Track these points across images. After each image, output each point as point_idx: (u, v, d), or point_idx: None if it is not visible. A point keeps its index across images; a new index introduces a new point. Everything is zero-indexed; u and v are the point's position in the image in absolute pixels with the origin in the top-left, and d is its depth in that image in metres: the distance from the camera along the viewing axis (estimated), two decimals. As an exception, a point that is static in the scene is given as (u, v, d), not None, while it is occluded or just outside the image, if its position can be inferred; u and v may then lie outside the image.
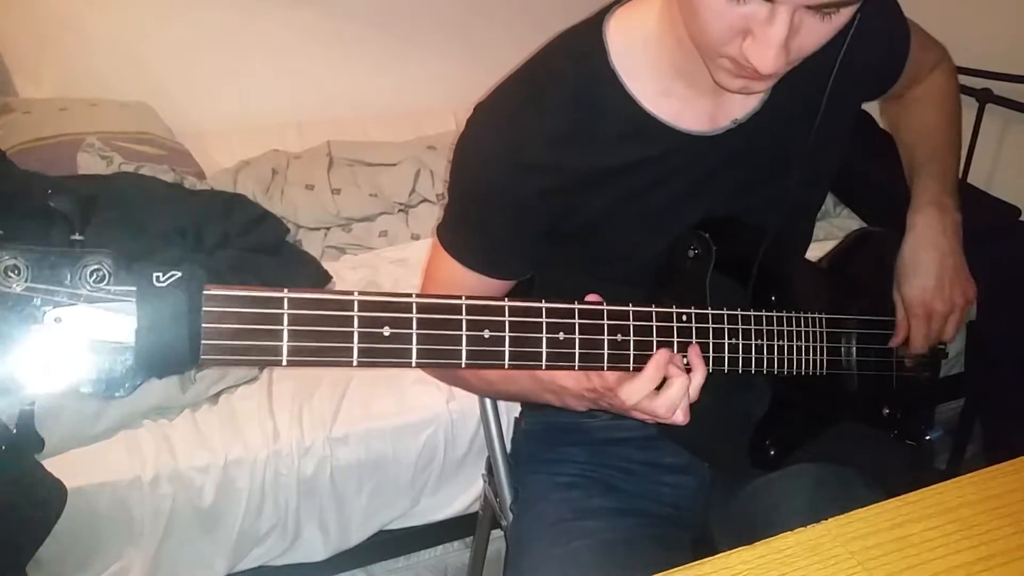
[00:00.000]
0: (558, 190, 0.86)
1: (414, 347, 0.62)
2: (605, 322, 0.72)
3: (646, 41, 0.84)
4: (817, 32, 0.71)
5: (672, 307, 0.77)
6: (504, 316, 0.67)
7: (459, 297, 0.65)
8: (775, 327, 0.87)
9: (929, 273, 1.01)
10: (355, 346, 0.60)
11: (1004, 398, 1.86)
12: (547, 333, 0.69)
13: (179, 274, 0.52)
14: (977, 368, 1.89)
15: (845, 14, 0.70)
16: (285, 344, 0.57)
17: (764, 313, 0.86)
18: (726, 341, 0.81)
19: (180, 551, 1.42)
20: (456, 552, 1.72)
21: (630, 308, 0.74)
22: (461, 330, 0.65)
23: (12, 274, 0.47)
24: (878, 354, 1.03)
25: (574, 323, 0.70)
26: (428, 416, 1.52)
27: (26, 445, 0.50)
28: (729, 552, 0.69)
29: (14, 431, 0.49)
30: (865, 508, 0.74)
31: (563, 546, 0.96)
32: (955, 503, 0.74)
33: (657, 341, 0.75)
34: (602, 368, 0.73)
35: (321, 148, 2.28)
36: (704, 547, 1.02)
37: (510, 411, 1.25)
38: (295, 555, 1.51)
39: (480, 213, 0.89)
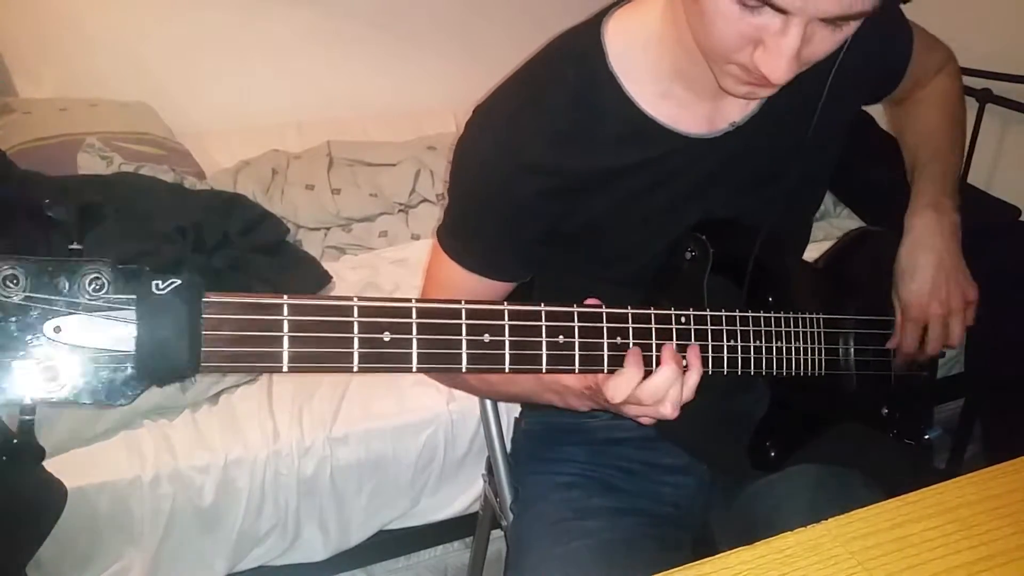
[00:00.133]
0: (557, 192, 0.86)
1: (414, 352, 0.62)
2: (604, 325, 0.72)
3: (646, 43, 0.84)
4: (827, 42, 0.71)
5: (670, 309, 0.77)
6: (504, 320, 0.67)
7: (459, 302, 0.65)
8: (773, 328, 0.87)
9: (925, 276, 1.00)
10: (355, 352, 0.60)
11: (1004, 398, 1.85)
12: (547, 337, 0.69)
13: (178, 282, 0.51)
14: (977, 368, 1.89)
15: (855, 24, 0.70)
16: (286, 351, 0.57)
17: (762, 314, 0.86)
18: (724, 343, 0.81)
19: (180, 551, 1.42)
20: (456, 552, 1.72)
21: (629, 311, 0.74)
22: (461, 335, 0.65)
23: (11, 284, 0.47)
24: (876, 354, 1.03)
25: (573, 326, 0.70)
26: (428, 416, 1.52)
27: (27, 455, 0.50)
28: (729, 552, 0.70)
29: (15, 442, 0.49)
30: (865, 508, 0.74)
31: (563, 546, 0.96)
32: (955, 503, 0.75)
33: (656, 343, 0.75)
34: (602, 371, 0.73)
35: (321, 148, 2.28)
36: (704, 547, 1.02)
37: (510, 411, 1.26)
38: (295, 555, 1.51)
39: (479, 215, 0.89)
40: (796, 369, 0.91)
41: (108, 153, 1.97)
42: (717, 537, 1.04)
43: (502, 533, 1.17)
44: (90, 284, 0.49)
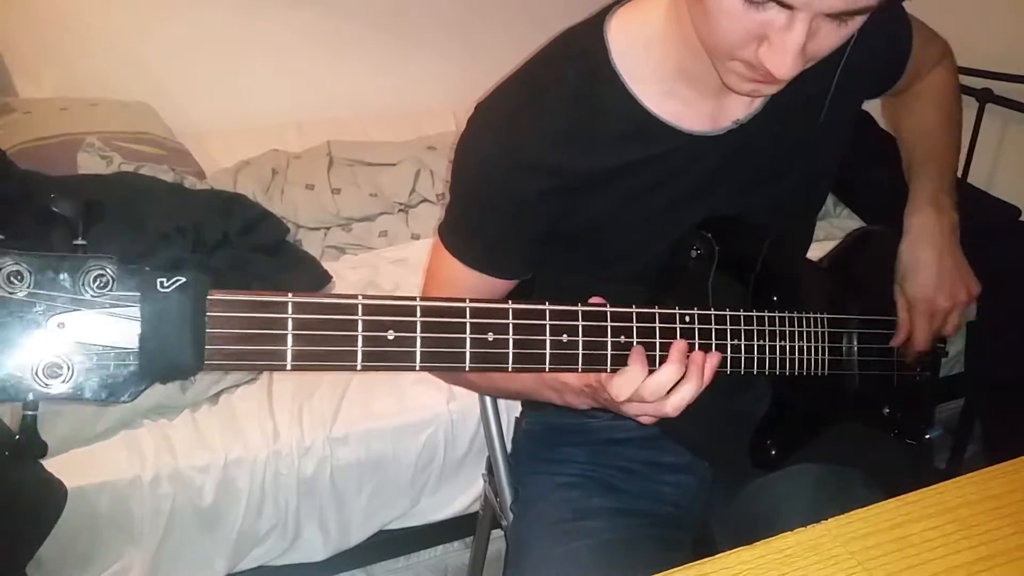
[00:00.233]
0: (558, 191, 0.86)
1: (418, 350, 0.62)
2: (608, 324, 0.72)
3: (649, 41, 0.84)
4: (832, 37, 0.71)
5: (674, 307, 0.77)
6: (508, 319, 0.67)
7: (463, 300, 0.65)
8: (777, 327, 0.87)
9: (930, 270, 1.01)
10: (359, 350, 0.60)
11: (1004, 398, 1.86)
12: (550, 335, 0.69)
13: (183, 280, 0.51)
14: (977, 368, 1.89)
15: (860, 19, 0.70)
16: (289, 349, 0.57)
17: (766, 314, 0.86)
18: (728, 342, 0.81)
19: (180, 551, 1.42)
20: (456, 552, 1.72)
21: (633, 310, 0.74)
22: (465, 333, 0.65)
23: (15, 280, 0.47)
24: (879, 354, 1.03)
25: (577, 325, 0.70)
26: (428, 416, 1.52)
27: (30, 451, 0.50)
28: (729, 552, 0.70)
29: (17, 438, 0.49)
30: (865, 508, 0.74)
31: (563, 546, 0.96)
32: (955, 503, 0.75)
33: (660, 343, 0.75)
34: (605, 370, 0.73)
35: (321, 148, 2.28)
36: (704, 547, 1.02)
37: (510, 411, 1.25)
38: (295, 555, 1.51)
39: (480, 213, 0.89)
40: (799, 368, 0.91)
41: (108, 153, 1.97)
42: (717, 537, 1.04)
43: (502, 533, 1.17)
44: (95, 281, 0.49)
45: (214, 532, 1.43)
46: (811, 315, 0.92)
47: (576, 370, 0.71)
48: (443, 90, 2.65)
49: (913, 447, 1.06)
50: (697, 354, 0.76)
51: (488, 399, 1.16)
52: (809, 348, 0.91)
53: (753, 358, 0.84)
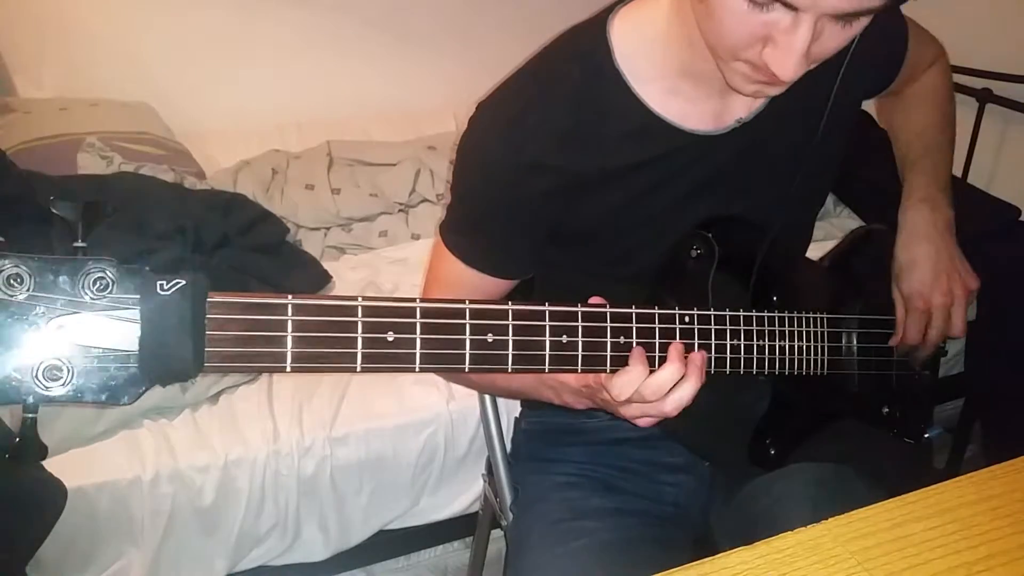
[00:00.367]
0: (561, 190, 0.86)
1: (418, 352, 0.62)
2: (608, 324, 0.72)
3: (653, 41, 0.84)
4: (837, 38, 0.71)
5: (674, 307, 0.77)
6: (507, 320, 0.67)
7: (463, 302, 0.65)
8: (777, 327, 0.87)
9: (925, 267, 1.01)
10: (359, 352, 0.60)
11: (1004, 398, 1.86)
12: (550, 336, 0.69)
13: (183, 282, 0.51)
14: (977, 368, 1.89)
15: (864, 20, 0.70)
16: (289, 351, 0.57)
17: (766, 313, 0.86)
18: (728, 342, 0.81)
19: (180, 551, 1.42)
20: (456, 552, 1.72)
21: (632, 310, 0.74)
22: (465, 334, 0.65)
23: (15, 283, 0.47)
24: (879, 353, 1.03)
25: (577, 326, 0.70)
26: (428, 416, 1.52)
27: (29, 454, 0.50)
28: (729, 552, 0.69)
29: (17, 440, 0.49)
30: (865, 508, 0.74)
31: (563, 546, 0.96)
32: (955, 503, 0.74)
33: (660, 343, 0.75)
34: (604, 370, 0.73)
35: (321, 148, 2.28)
36: (704, 547, 1.02)
37: (510, 411, 1.25)
38: (295, 555, 1.51)
39: (482, 212, 0.89)
40: (799, 368, 0.91)
41: (108, 153, 1.97)
42: (717, 537, 1.04)
43: (502, 533, 1.17)
44: (94, 283, 0.49)
45: (214, 532, 1.43)
46: (811, 315, 0.92)
47: (576, 371, 0.71)
48: (443, 90, 2.65)
49: (913, 447, 1.06)
50: (696, 354, 0.76)
51: (488, 399, 1.16)
52: (809, 348, 0.91)
53: (752, 358, 0.84)
